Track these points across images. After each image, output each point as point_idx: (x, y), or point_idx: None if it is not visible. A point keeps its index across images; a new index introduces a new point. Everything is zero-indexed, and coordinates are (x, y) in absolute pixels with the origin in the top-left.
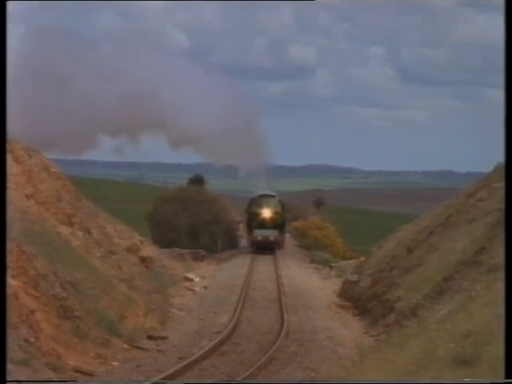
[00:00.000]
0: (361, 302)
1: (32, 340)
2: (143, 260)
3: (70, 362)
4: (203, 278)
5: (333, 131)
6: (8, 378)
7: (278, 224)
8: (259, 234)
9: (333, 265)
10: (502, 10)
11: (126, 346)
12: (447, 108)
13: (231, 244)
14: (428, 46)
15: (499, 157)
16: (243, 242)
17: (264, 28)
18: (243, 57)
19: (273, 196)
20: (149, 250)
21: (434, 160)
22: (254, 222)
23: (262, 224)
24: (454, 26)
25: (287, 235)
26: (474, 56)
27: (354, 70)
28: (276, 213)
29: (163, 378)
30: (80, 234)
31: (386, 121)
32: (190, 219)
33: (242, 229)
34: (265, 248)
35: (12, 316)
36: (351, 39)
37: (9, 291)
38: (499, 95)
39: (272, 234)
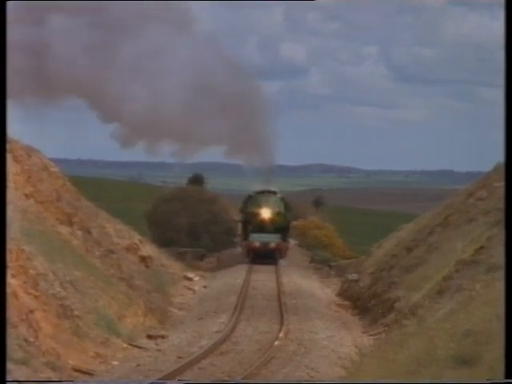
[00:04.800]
0: (360, 301)
1: (31, 339)
2: (143, 259)
3: (70, 362)
4: (203, 277)
5: (332, 131)
6: (8, 378)
7: (280, 227)
8: (257, 239)
9: (332, 264)
10: (491, 8)
11: (125, 345)
12: (443, 107)
13: (231, 244)
14: (420, 44)
15: (498, 156)
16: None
17: (256, 27)
18: (236, 56)
19: (274, 193)
20: (148, 249)
21: (433, 159)
22: (250, 224)
23: (261, 227)
24: (446, 25)
25: (291, 241)
26: (467, 55)
27: (349, 69)
28: (277, 213)
29: (163, 378)
30: (79, 233)
31: (384, 120)
32: (190, 218)
33: (240, 228)
34: (264, 257)
35: (12, 315)
36: (344, 38)
37: (8, 290)
38: (493, 94)
39: (273, 240)
